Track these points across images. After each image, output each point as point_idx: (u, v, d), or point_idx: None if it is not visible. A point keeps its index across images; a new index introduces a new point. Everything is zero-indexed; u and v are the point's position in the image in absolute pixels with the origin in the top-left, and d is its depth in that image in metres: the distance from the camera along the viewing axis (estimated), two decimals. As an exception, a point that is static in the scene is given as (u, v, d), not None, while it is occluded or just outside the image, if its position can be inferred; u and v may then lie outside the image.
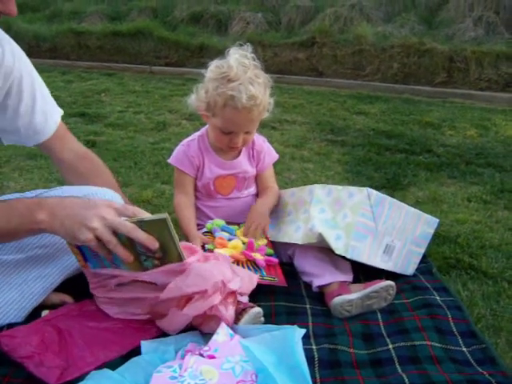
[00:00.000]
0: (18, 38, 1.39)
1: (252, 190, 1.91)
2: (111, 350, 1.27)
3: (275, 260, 1.70)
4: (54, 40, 7.37)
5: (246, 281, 1.40)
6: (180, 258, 1.25)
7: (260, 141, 1.88)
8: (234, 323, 1.34)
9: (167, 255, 1.24)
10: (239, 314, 1.37)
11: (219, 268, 1.31)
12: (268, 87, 1.68)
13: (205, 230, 1.79)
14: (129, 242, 1.21)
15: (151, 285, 1.30)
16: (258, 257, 1.66)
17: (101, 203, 1.21)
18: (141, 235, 1.18)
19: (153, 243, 1.19)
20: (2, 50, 1.35)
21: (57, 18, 7.94)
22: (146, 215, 1.24)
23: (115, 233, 1.18)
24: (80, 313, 1.41)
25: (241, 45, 1.70)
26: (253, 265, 1.64)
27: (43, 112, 1.50)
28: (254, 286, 1.45)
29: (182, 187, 1.81)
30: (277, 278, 1.62)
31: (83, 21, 7.86)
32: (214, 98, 1.64)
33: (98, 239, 1.17)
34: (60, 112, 1.59)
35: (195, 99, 1.73)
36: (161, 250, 1.23)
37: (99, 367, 1.22)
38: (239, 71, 1.61)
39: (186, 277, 1.24)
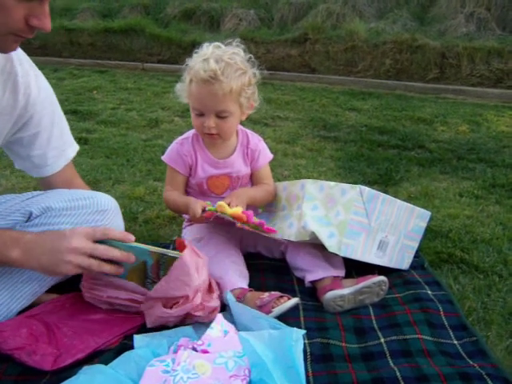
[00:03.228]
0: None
1: None
2: (100, 337, 1.30)
3: (273, 228, 1.66)
4: (46, 37, 7.33)
5: None
6: None
7: (255, 139, 1.86)
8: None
9: None
10: (274, 303, 1.42)
11: (197, 267, 1.35)
12: (245, 74, 1.64)
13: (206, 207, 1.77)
14: (142, 266, 1.32)
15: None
16: (257, 220, 1.62)
17: (68, 233, 1.26)
18: (115, 253, 1.27)
19: (128, 258, 1.29)
20: (29, 80, 1.37)
21: (48, 14, 7.89)
22: (121, 236, 1.31)
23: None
24: (65, 307, 1.43)
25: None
26: (253, 226, 1.61)
27: (56, 148, 1.51)
28: None
29: (173, 185, 1.81)
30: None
31: (75, 18, 7.83)
32: (186, 76, 1.66)
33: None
34: (74, 149, 1.60)
35: (179, 86, 1.72)
36: None
37: (91, 354, 1.25)
38: (208, 50, 1.63)
39: (169, 278, 1.31)
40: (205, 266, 1.40)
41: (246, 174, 1.84)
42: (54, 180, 1.55)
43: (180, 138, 1.82)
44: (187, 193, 1.84)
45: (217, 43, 1.66)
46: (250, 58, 1.68)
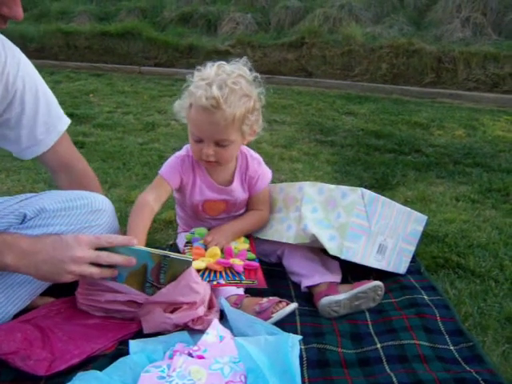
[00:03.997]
0: (4, 37, 1.37)
1: (242, 211, 1.85)
2: (96, 343, 1.28)
3: (256, 264, 1.63)
4: (42, 40, 7.32)
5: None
6: None
7: (255, 165, 1.77)
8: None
9: None
10: (273, 308, 1.41)
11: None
12: (250, 100, 1.56)
13: (185, 240, 1.76)
14: (143, 269, 1.32)
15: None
16: (237, 262, 1.60)
17: (72, 242, 1.22)
18: (118, 259, 1.26)
19: (130, 262, 1.28)
20: (5, 58, 1.33)
21: (45, 17, 7.89)
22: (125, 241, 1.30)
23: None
24: (60, 312, 1.42)
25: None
26: (231, 271, 1.59)
27: (45, 123, 1.47)
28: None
29: (156, 189, 1.67)
30: (256, 281, 1.57)
31: (71, 21, 7.82)
32: (186, 99, 1.58)
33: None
34: (66, 123, 1.55)
35: (178, 104, 1.64)
36: (169, 282, 1.35)
37: (86, 359, 1.24)
38: (212, 72, 1.53)
39: (177, 284, 1.32)
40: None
41: (243, 200, 1.80)
42: (48, 158, 1.52)
43: (180, 153, 1.73)
44: (182, 212, 1.83)
45: (221, 62, 1.57)
46: (256, 77, 1.60)
